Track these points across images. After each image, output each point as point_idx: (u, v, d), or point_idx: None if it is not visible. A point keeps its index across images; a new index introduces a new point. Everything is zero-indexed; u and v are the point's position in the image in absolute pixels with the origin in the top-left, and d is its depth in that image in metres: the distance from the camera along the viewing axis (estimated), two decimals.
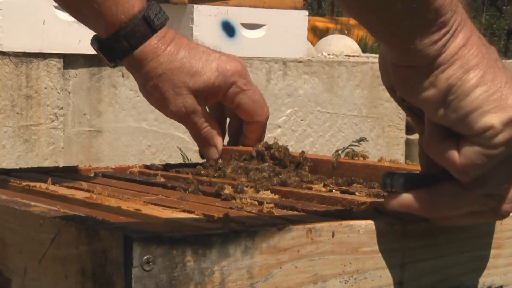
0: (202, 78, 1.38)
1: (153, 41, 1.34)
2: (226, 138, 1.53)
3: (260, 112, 1.47)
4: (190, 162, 3.40)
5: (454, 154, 0.92)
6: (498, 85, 0.90)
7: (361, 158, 1.35)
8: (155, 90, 1.37)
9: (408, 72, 0.91)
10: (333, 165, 1.35)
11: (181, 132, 3.65)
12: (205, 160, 1.52)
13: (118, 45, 1.34)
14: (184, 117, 1.40)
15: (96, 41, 1.37)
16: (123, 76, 3.57)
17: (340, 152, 1.37)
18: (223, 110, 1.50)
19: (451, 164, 0.92)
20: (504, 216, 0.97)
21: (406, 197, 0.96)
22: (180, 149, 3.59)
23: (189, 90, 1.37)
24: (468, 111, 0.90)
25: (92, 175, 1.45)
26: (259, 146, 1.43)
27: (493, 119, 0.90)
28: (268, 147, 1.43)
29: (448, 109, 0.91)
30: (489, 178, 0.93)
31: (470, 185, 0.94)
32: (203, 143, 1.45)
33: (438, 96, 0.90)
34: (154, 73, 1.36)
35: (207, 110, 1.44)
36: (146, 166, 1.51)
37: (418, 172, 1.01)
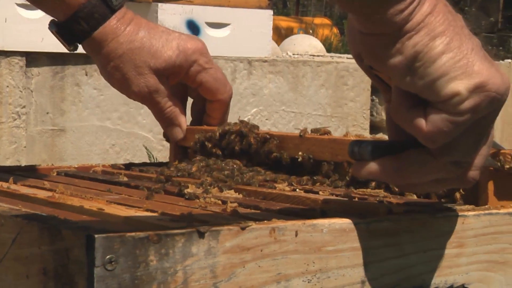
0: (163, 57, 1.37)
1: (112, 21, 1.34)
2: (190, 120, 1.52)
3: (222, 90, 1.46)
4: (155, 161, 3.39)
5: (422, 122, 0.92)
6: (464, 51, 0.91)
7: (325, 135, 1.35)
8: (116, 71, 1.36)
9: (375, 40, 0.91)
10: (300, 134, 1.33)
11: (145, 131, 3.64)
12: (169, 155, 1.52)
13: (77, 27, 1.33)
14: (146, 97, 1.39)
15: (54, 25, 1.35)
16: (86, 75, 3.55)
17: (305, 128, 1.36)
18: (186, 90, 1.50)
19: (418, 131, 0.93)
20: (470, 183, 0.98)
21: (374, 165, 0.96)
22: (146, 148, 3.58)
23: (151, 70, 1.37)
24: (435, 77, 0.91)
25: (55, 174, 1.44)
26: (224, 125, 1.43)
27: (460, 85, 0.90)
28: (235, 125, 1.42)
29: (415, 76, 0.91)
30: (456, 145, 0.94)
31: (437, 152, 0.94)
32: (167, 123, 1.44)
33: (405, 63, 0.91)
34: (114, 54, 1.35)
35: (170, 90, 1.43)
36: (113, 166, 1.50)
37: (385, 140, 1.01)
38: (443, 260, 1.05)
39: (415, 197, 1.20)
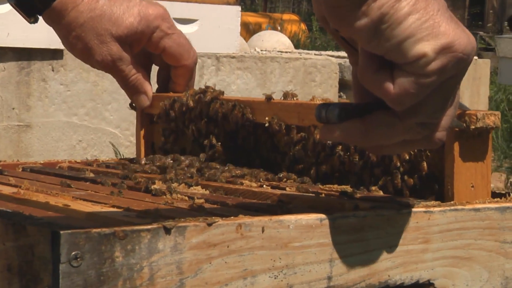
0: (125, 24, 1.36)
1: None
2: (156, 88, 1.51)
3: (186, 56, 1.45)
4: (122, 157, 3.38)
5: (389, 84, 0.92)
6: (431, 12, 0.91)
7: (294, 98, 1.34)
8: (78, 40, 1.35)
9: (340, 3, 0.91)
10: (267, 99, 1.33)
11: (112, 127, 3.62)
12: (135, 156, 1.51)
13: None
14: (110, 66, 1.38)
15: None
16: (53, 70, 3.53)
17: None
18: (150, 58, 1.48)
19: (385, 93, 0.93)
20: (437, 144, 0.98)
21: (341, 128, 0.96)
22: (112, 145, 3.57)
23: (113, 38, 1.35)
24: (401, 39, 0.90)
25: (20, 170, 1.43)
26: (190, 92, 1.42)
27: (426, 47, 0.90)
28: (202, 91, 1.42)
29: (381, 38, 0.91)
30: (423, 107, 0.94)
31: (404, 114, 0.94)
32: (132, 91, 1.43)
33: (371, 25, 0.90)
34: (75, 23, 1.34)
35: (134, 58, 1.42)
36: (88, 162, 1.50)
37: (352, 103, 1.00)
38: (408, 256, 1.06)
39: (381, 193, 1.20)
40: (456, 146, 1.12)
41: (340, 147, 1.22)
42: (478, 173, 1.13)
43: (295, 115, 1.29)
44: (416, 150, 1.16)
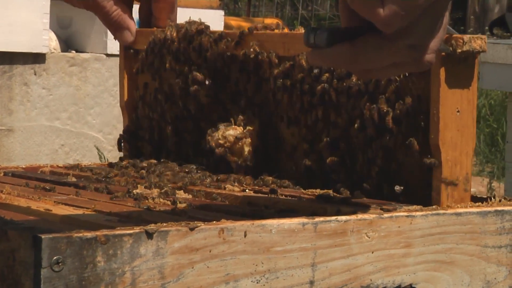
0: None
1: None
2: None
3: None
4: (106, 161, 3.36)
5: (378, 6, 0.91)
6: None
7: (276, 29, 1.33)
8: None
9: None
10: (249, 29, 1.31)
11: (95, 131, 3.61)
12: (120, 157, 1.51)
13: None
14: (91, 3, 1.36)
15: None
16: (35, 74, 3.52)
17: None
18: None
19: (375, 16, 0.91)
20: (426, 66, 0.97)
21: (330, 52, 0.94)
22: (97, 148, 3.56)
23: None
24: None
25: (2, 174, 1.42)
26: (173, 25, 1.40)
27: None
28: (187, 24, 1.40)
29: None
30: (412, 28, 0.93)
31: (393, 36, 0.93)
32: (115, 27, 1.42)
33: None
34: None
35: None
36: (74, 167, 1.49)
37: (340, 26, 0.99)
38: (391, 260, 1.06)
39: (364, 198, 1.21)
40: (442, 71, 1.11)
41: (326, 74, 1.21)
42: (464, 98, 1.12)
43: (280, 46, 1.28)
44: (402, 76, 1.14)
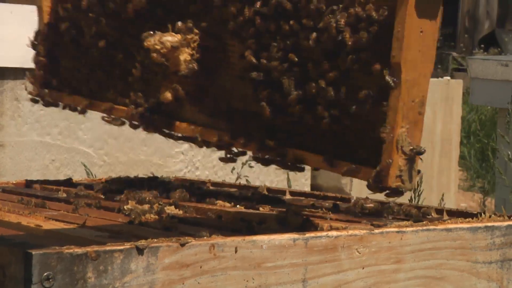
0: None
1: None
2: None
3: None
4: (94, 177, 3.36)
5: None
6: None
7: None
8: None
9: None
10: None
11: (86, 147, 3.61)
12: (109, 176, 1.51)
13: None
14: None
15: None
16: (26, 89, 3.51)
17: None
18: None
19: None
20: None
21: None
22: (84, 165, 3.55)
23: None
24: None
25: None
26: None
27: None
28: None
29: None
30: None
31: None
32: None
33: None
34: None
35: None
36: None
37: None
38: (381, 276, 1.06)
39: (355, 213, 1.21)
40: None
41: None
42: (427, 19, 1.10)
43: None
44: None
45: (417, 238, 1.08)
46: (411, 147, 1.06)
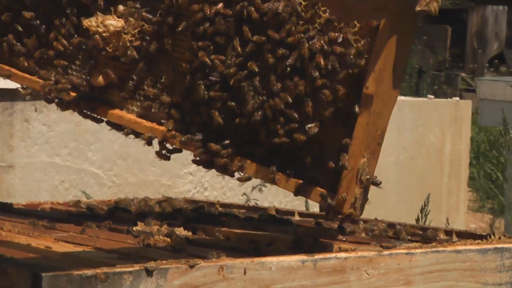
0: None
1: None
2: None
3: None
4: (103, 198, 3.36)
5: None
6: None
7: None
8: None
9: None
10: None
11: (95, 168, 3.62)
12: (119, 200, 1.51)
13: None
14: None
15: None
16: (36, 111, 3.53)
17: None
18: None
19: None
20: None
21: None
22: (84, 193, 3.56)
23: None
24: None
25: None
26: None
27: None
28: None
29: None
30: None
31: None
32: None
33: None
34: None
35: None
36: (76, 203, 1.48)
37: None
38: None
39: (363, 234, 1.21)
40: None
41: None
42: (400, 54, 1.10)
43: None
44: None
45: (426, 260, 1.08)
46: (368, 177, 1.07)
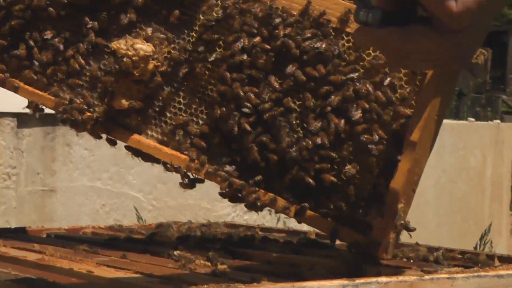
0: None
1: None
2: None
3: None
4: (144, 222, 3.38)
5: (452, 1, 0.90)
6: None
7: None
8: None
9: None
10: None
11: (135, 191, 3.64)
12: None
13: None
14: None
15: None
16: (77, 135, 3.56)
17: None
18: None
19: (446, 9, 0.90)
20: (457, 22, 0.93)
21: (381, 33, 0.93)
22: (135, 209, 3.57)
23: None
24: None
25: (45, 236, 1.44)
26: None
27: None
28: None
29: None
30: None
31: (444, 32, 0.92)
32: None
33: None
34: None
35: None
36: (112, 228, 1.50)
37: (390, 10, 0.94)
38: None
39: (404, 259, 1.20)
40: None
41: None
42: (442, 106, 1.13)
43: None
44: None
45: (468, 285, 1.07)
46: (402, 222, 1.09)
